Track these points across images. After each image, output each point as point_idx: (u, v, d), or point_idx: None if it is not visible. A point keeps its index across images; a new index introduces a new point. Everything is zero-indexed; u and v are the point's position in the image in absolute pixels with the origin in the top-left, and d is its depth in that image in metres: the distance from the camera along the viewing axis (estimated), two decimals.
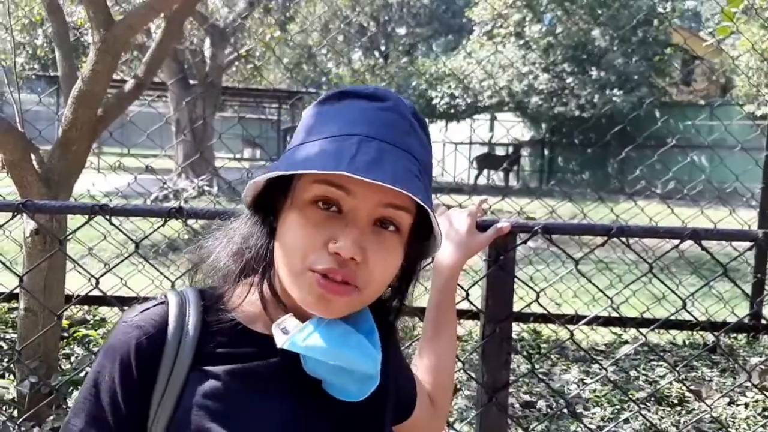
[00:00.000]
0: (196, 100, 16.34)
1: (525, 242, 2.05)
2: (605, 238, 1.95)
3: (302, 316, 0.94)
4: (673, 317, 4.07)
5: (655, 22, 21.06)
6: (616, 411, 3.10)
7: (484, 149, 26.47)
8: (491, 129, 26.54)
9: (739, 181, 4.49)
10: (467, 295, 2.05)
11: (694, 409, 3.18)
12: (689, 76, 23.45)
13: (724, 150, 4.47)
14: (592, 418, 3.01)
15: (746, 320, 4.57)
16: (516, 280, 2.08)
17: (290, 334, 0.91)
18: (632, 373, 3.60)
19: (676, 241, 2.03)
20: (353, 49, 30.40)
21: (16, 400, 3.19)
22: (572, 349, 3.92)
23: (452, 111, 23.56)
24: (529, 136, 25.76)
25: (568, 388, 3.33)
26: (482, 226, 1.63)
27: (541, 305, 2.17)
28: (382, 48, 31.89)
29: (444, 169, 22.66)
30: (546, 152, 25.76)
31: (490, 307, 2.11)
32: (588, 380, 3.42)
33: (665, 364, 3.72)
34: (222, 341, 0.94)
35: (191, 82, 17.35)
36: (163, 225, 1.84)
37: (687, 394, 3.31)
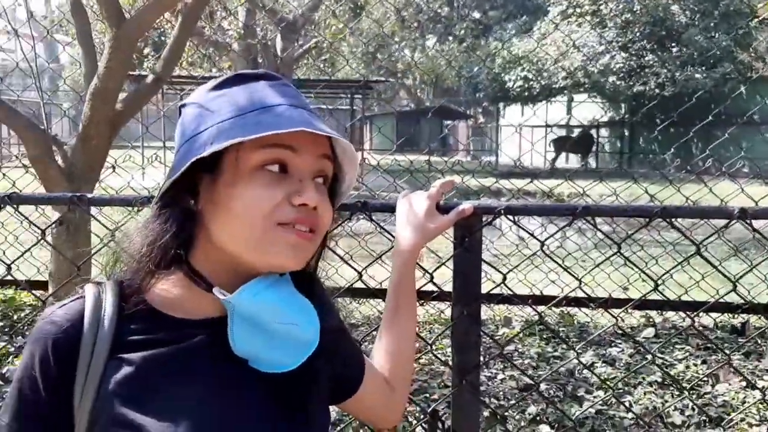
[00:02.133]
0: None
1: (489, 223, 2.03)
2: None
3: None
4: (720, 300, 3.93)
5: None
6: (620, 394, 3.03)
7: (562, 132, 25.91)
8: (568, 111, 25.93)
9: None
10: (432, 277, 2.05)
11: (706, 393, 3.07)
12: None
13: None
14: (593, 402, 2.96)
15: None
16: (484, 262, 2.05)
17: (239, 289, 0.95)
18: (649, 356, 3.49)
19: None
20: (427, 36, 30.28)
21: None
22: (592, 333, 3.84)
23: (526, 94, 23.17)
24: (608, 116, 25.03)
25: (579, 372, 3.27)
26: (444, 209, 1.62)
27: (507, 287, 2.14)
28: (456, 33, 31.63)
29: (520, 153, 22.33)
30: (626, 133, 24.97)
31: (457, 290, 2.10)
32: (598, 364, 3.35)
33: (685, 348, 3.60)
34: (138, 329, 0.97)
35: None
36: (69, 211, 1.91)
37: (702, 378, 3.19)
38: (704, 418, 2.83)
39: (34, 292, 3.79)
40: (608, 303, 4.48)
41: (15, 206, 2.18)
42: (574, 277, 2.26)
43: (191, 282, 1.00)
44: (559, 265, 2.32)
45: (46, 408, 0.95)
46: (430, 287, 2.09)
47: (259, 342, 0.97)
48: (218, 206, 0.97)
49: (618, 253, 2.02)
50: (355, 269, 1.92)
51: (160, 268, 1.00)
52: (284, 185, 0.96)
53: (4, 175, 4.54)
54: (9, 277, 4.94)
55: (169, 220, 0.98)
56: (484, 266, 1.92)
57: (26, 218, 2.12)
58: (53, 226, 3.28)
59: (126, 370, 0.94)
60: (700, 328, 4.03)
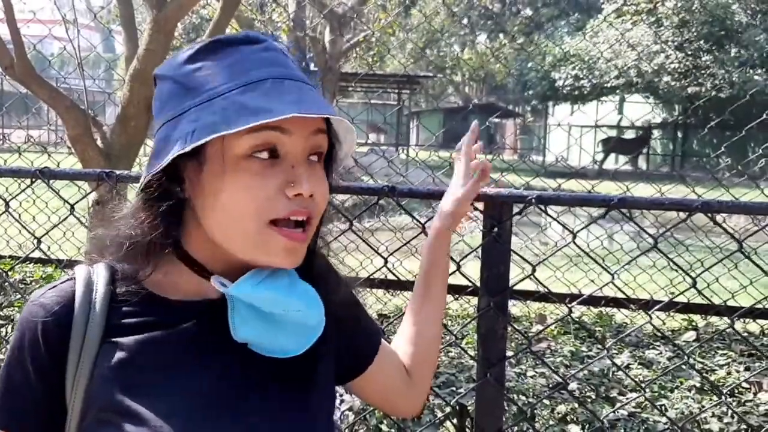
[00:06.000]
0: (316, 86, 16.76)
1: (519, 213, 1.96)
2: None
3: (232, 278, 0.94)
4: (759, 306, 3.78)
5: None
6: (655, 397, 2.92)
7: (612, 133, 25.44)
8: (620, 111, 25.41)
9: None
10: (459, 267, 1.99)
11: (748, 401, 2.94)
12: None
13: None
14: (624, 403, 2.86)
15: None
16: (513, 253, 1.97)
17: (237, 281, 0.91)
18: (686, 360, 3.37)
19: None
20: (477, 32, 30.05)
21: None
22: (630, 334, 3.73)
23: (576, 93, 22.79)
24: (661, 118, 24.46)
25: (613, 373, 3.17)
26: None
27: (537, 279, 2.07)
28: (507, 30, 31.28)
29: (568, 153, 21.99)
30: (678, 135, 24.38)
31: (484, 281, 2.03)
32: (634, 366, 3.25)
33: (727, 354, 3.46)
34: (132, 311, 0.93)
35: (312, 68, 17.78)
36: (106, 191, 1.89)
37: (743, 385, 3.06)
38: (744, 426, 2.71)
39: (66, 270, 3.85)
40: (649, 305, 4.35)
41: (47, 181, 2.21)
42: (606, 270, 2.17)
43: (187, 266, 0.95)
44: (592, 258, 2.23)
45: (38, 393, 0.92)
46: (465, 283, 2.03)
47: (262, 329, 0.92)
48: (207, 198, 0.90)
49: (655, 248, 1.92)
50: (382, 256, 1.87)
51: (153, 255, 0.94)
52: (277, 174, 0.88)
53: (49, 155, 4.64)
54: (53, 256, 5.08)
55: (157, 217, 0.91)
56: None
57: (57, 193, 2.13)
58: (91, 205, 3.32)
59: (120, 354, 0.90)
60: (745, 334, 3.88)
